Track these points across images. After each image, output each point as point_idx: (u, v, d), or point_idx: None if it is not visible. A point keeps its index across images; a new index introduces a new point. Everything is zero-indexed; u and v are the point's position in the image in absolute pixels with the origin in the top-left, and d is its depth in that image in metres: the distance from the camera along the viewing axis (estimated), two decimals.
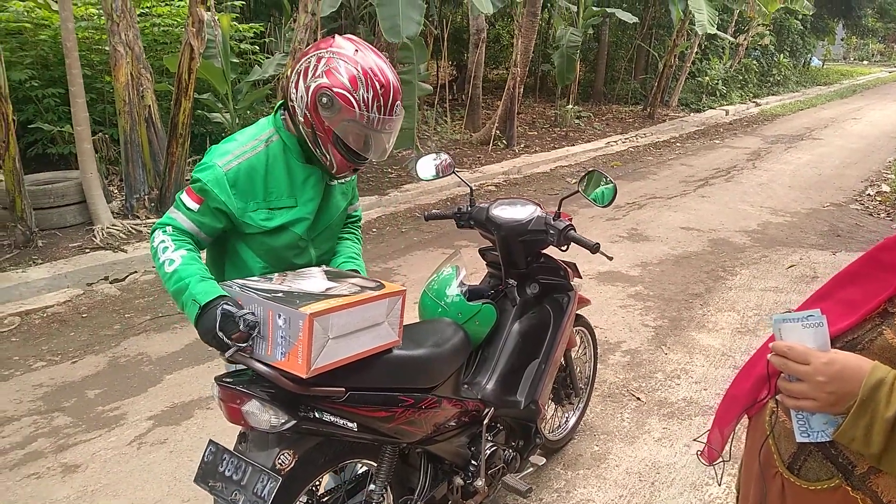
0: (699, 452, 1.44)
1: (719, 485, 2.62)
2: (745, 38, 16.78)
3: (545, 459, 2.62)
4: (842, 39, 33.02)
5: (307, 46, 6.11)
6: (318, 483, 1.85)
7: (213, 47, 6.60)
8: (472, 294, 2.27)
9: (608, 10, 11.99)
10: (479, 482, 2.12)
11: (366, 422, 1.69)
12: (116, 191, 6.24)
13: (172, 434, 2.98)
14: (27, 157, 6.10)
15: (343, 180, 1.91)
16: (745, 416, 1.28)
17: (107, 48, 5.96)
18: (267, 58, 8.20)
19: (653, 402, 3.31)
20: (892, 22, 27.05)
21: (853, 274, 1.13)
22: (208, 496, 1.82)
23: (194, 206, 1.66)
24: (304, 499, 1.76)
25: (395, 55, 7.55)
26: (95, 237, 5.24)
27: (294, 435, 1.61)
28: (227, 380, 1.59)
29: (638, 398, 3.34)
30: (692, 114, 14.01)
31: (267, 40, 9.19)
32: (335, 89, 1.61)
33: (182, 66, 5.54)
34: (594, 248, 2.17)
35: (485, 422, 2.13)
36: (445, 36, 10.09)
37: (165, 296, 4.49)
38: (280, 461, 1.60)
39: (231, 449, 1.65)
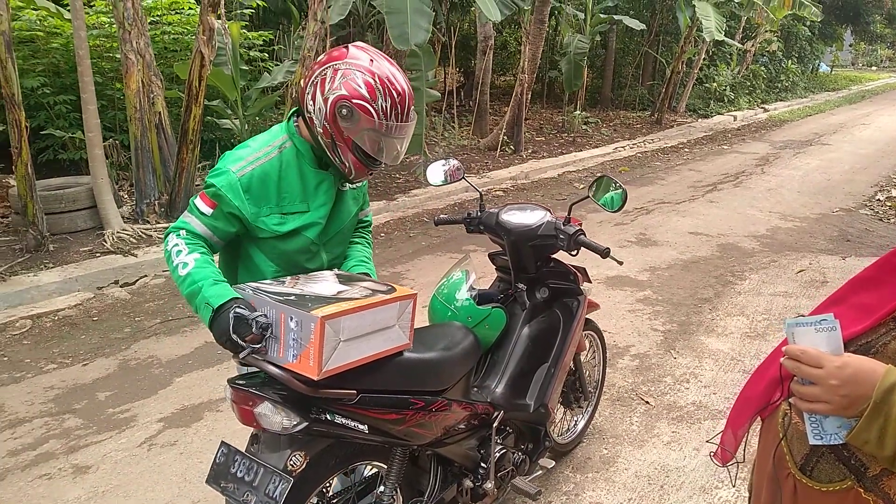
0: (712, 454, 1.44)
1: (733, 485, 2.62)
2: (752, 45, 16.74)
3: (554, 462, 2.62)
4: (850, 45, 32.87)
5: (316, 54, 6.18)
6: (328, 485, 1.86)
7: (222, 55, 6.65)
8: (481, 298, 2.27)
9: (615, 17, 12.01)
10: (489, 485, 2.13)
11: (377, 424, 1.70)
12: (127, 196, 6.29)
13: (182, 436, 3.00)
14: (39, 163, 6.17)
15: (357, 184, 1.94)
16: (759, 418, 1.28)
17: (118, 56, 6.03)
18: (276, 65, 8.25)
19: (662, 406, 3.30)
20: None
21: (867, 279, 1.13)
22: (218, 498, 1.83)
23: (208, 210, 1.68)
24: (314, 500, 1.77)
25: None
26: (106, 242, 5.29)
27: (305, 437, 1.62)
28: (240, 382, 1.60)
29: (647, 402, 3.33)
30: (700, 119, 13.99)
31: (276, 48, 9.26)
32: (354, 100, 1.64)
33: (193, 74, 5.59)
34: (604, 253, 2.18)
35: (494, 425, 2.14)
36: (453, 43, 10.12)
37: (175, 299, 4.52)
38: (291, 462, 1.61)
39: (243, 450, 1.66)
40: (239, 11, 8.25)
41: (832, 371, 0.98)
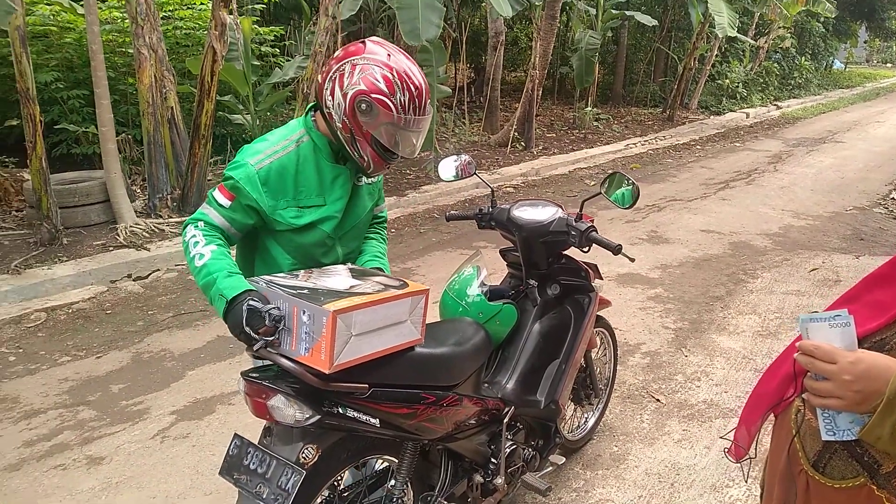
0: (726, 450, 1.44)
1: (745, 481, 2.61)
2: (765, 41, 16.61)
3: (564, 459, 2.63)
4: (864, 42, 32.51)
5: (327, 49, 6.19)
6: (340, 478, 1.87)
7: (234, 50, 6.68)
8: (492, 294, 2.28)
9: (627, 12, 11.95)
10: (499, 480, 2.13)
11: (388, 418, 1.71)
12: (139, 190, 6.34)
13: (195, 429, 3.03)
14: (52, 157, 6.22)
15: (373, 179, 1.95)
16: (772, 414, 1.28)
17: (131, 51, 6.07)
18: (287, 60, 8.28)
19: (673, 403, 3.30)
20: None
21: (882, 276, 1.12)
22: (230, 490, 1.85)
23: (226, 202, 1.71)
24: (325, 493, 1.79)
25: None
26: (119, 235, 5.33)
27: (318, 430, 1.63)
28: (253, 375, 1.61)
29: (658, 400, 3.32)
30: (712, 116, 13.90)
31: (287, 43, 9.29)
32: (373, 95, 1.66)
33: (205, 69, 5.62)
34: (616, 250, 2.17)
35: (505, 420, 2.15)
36: (464, 39, 10.10)
37: (188, 293, 4.55)
38: (304, 455, 1.62)
39: (256, 443, 1.67)
40: (250, 6, 8.28)
41: (845, 367, 0.97)
